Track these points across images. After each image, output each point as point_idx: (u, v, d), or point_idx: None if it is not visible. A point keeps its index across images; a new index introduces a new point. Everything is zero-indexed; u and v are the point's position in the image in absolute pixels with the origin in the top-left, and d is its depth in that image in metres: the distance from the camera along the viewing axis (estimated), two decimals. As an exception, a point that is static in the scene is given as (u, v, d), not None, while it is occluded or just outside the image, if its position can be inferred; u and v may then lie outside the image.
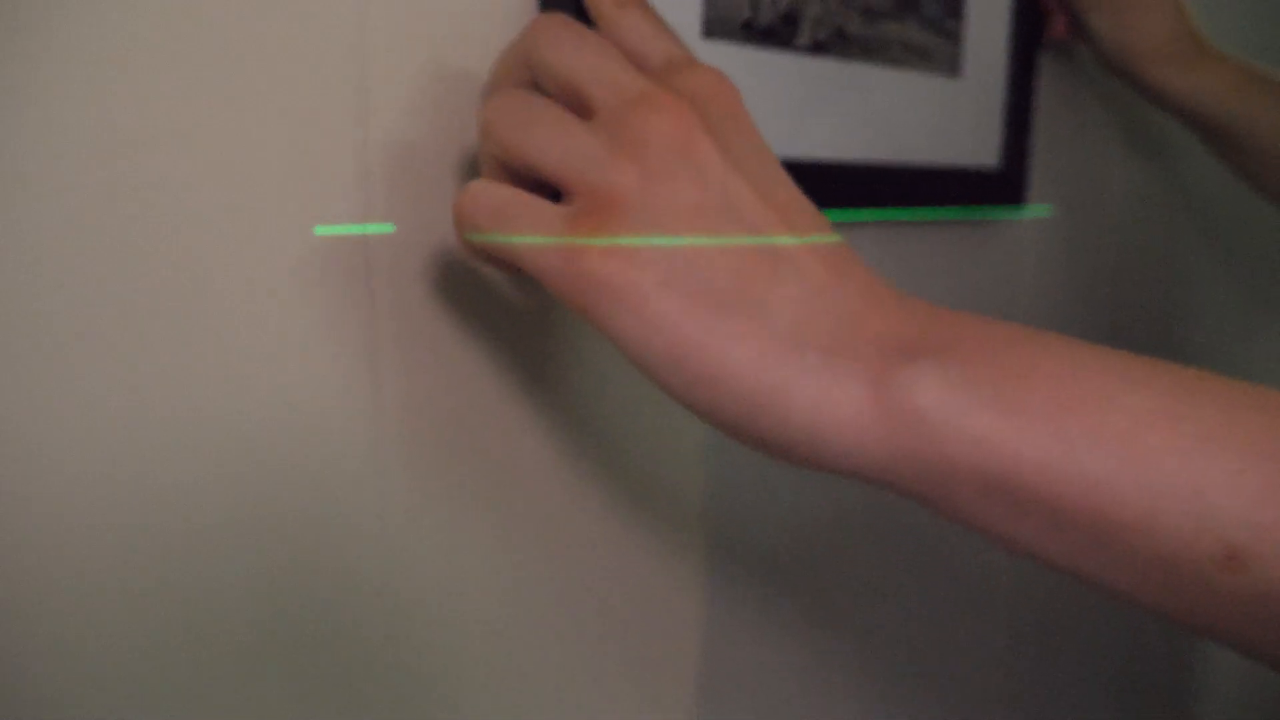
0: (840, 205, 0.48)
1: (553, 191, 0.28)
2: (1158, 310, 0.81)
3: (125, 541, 0.30)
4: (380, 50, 0.33)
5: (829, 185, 0.48)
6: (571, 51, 0.27)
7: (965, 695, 0.69)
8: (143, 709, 0.31)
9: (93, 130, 0.28)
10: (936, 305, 0.27)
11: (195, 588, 0.31)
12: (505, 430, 0.39)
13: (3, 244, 0.27)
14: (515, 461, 0.39)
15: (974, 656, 0.69)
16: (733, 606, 0.50)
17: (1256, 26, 0.86)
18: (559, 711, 0.43)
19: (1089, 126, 0.69)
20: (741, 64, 0.43)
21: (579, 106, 0.27)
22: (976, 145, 0.57)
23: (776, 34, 0.44)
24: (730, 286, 0.24)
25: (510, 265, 0.28)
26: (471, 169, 0.36)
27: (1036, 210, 0.66)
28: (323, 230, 0.33)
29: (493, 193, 0.28)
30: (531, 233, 0.26)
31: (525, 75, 0.29)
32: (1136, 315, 0.79)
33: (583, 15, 0.32)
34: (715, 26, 0.41)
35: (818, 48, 0.46)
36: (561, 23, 0.28)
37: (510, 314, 0.38)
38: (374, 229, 0.34)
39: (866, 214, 0.50)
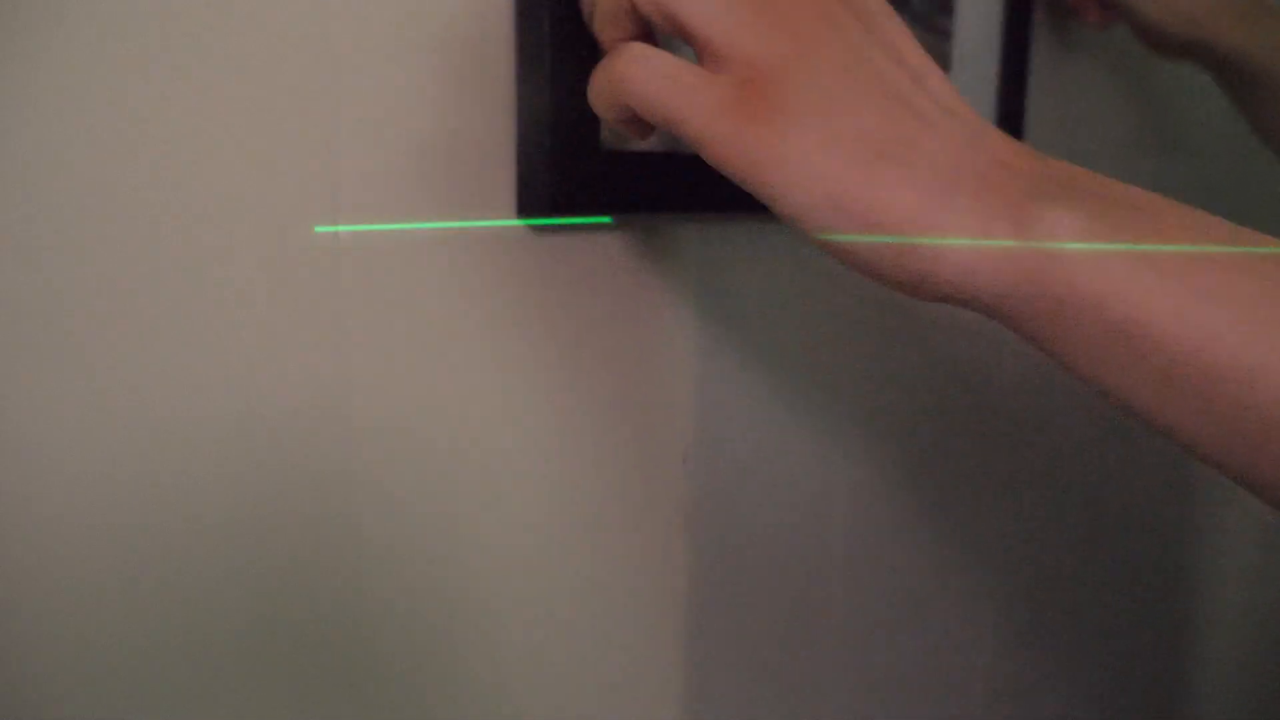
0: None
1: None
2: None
3: (123, 540, 0.29)
4: (344, 55, 0.32)
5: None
6: None
7: (952, 694, 0.69)
8: (142, 707, 0.30)
9: (90, 130, 0.27)
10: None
11: (190, 585, 0.31)
12: (479, 426, 0.38)
13: (12, 244, 0.26)
14: (489, 459, 0.39)
15: (961, 657, 0.69)
16: (716, 606, 0.49)
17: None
18: (557, 703, 0.42)
19: (1081, 123, 0.68)
20: (725, 59, 0.42)
21: None
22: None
23: (761, 29, 0.43)
24: (886, 139, 0.27)
25: (645, 129, 0.32)
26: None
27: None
28: (322, 229, 0.32)
29: (662, 59, 0.29)
30: (703, 101, 0.28)
31: None
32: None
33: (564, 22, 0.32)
34: (697, 21, 0.40)
35: (804, 43, 0.45)
36: None
37: (488, 308, 0.38)
38: (342, 229, 0.33)
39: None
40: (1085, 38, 0.66)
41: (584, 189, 0.37)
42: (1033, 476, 0.71)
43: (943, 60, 0.53)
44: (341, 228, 0.33)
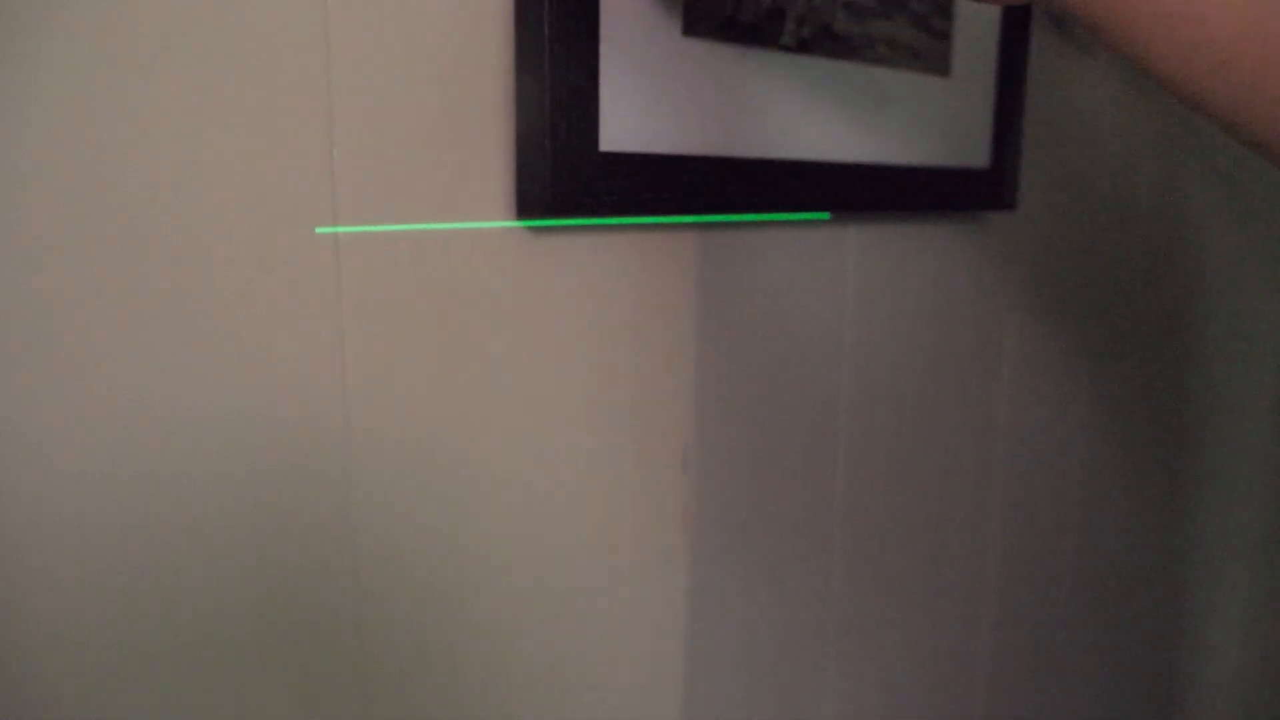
0: (829, 206, 0.48)
1: None
2: (1150, 306, 0.81)
3: (124, 540, 0.30)
4: (346, 60, 0.33)
5: (816, 185, 0.47)
6: None
7: (951, 692, 0.69)
8: (142, 707, 0.31)
9: (90, 133, 0.27)
10: None
11: (191, 585, 0.31)
12: (478, 427, 0.38)
13: (12, 245, 0.26)
14: (476, 458, 0.39)
15: (959, 655, 0.69)
16: (716, 605, 0.49)
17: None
18: (558, 701, 0.42)
19: (1079, 123, 0.68)
20: (723, 63, 0.42)
21: None
22: (967, 145, 0.56)
23: (760, 32, 0.43)
24: None
25: None
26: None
27: (1027, 209, 0.65)
28: (322, 230, 0.33)
29: None
30: None
31: None
32: (1129, 311, 0.78)
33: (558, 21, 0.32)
34: (696, 24, 0.41)
35: (803, 46, 0.46)
36: None
37: (488, 309, 0.38)
38: (342, 230, 0.33)
39: (855, 212, 0.50)
40: (1083, 40, 0.66)
41: (582, 191, 0.37)
42: (1031, 475, 0.71)
43: (941, 62, 0.54)
44: (341, 229, 0.33)
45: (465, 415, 0.38)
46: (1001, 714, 0.74)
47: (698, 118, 0.42)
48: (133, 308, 0.29)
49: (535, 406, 0.40)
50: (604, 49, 0.37)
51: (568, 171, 0.37)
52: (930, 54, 0.53)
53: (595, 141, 0.37)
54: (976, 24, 0.56)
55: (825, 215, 0.48)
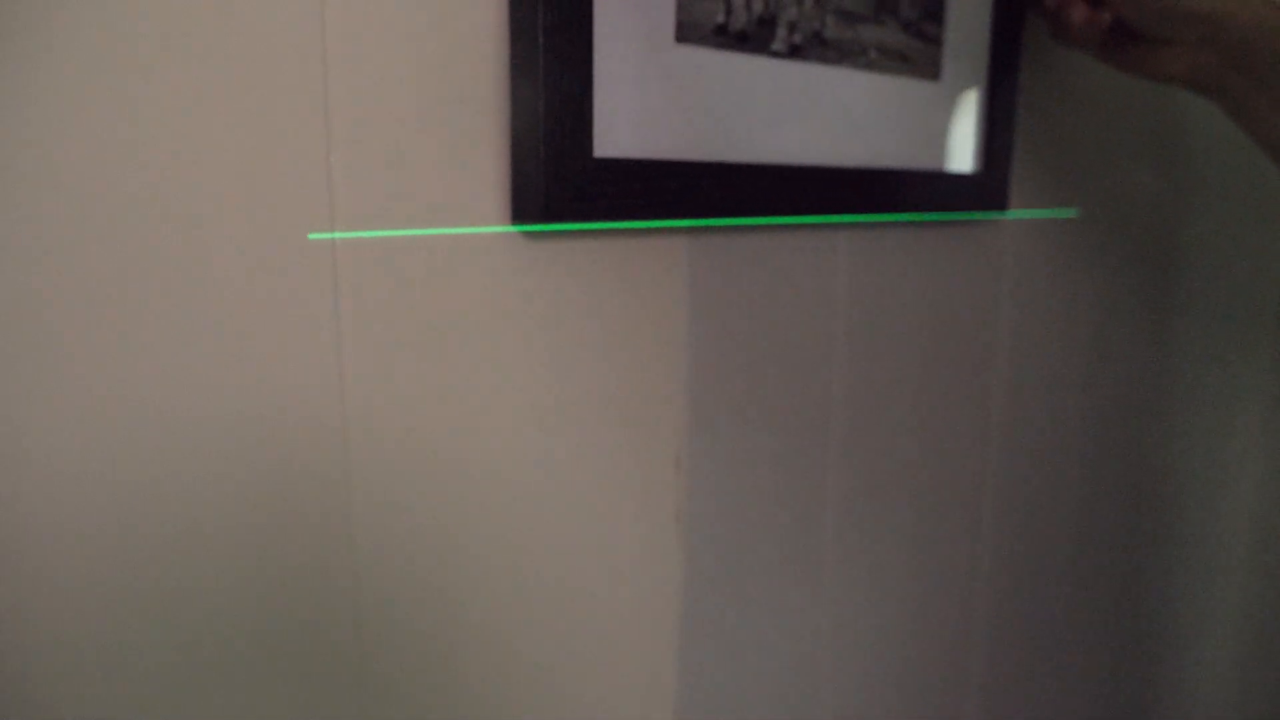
0: (821, 210, 0.48)
1: None
2: (1140, 311, 0.81)
3: (125, 541, 0.30)
4: (342, 67, 0.33)
5: (808, 190, 0.48)
6: None
7: (945, 692, 0.70)
8: (143, 707, 0.31)
9: (95, 139, 0.28)
10: None
11: (191, 587, 0.32)
12: (474, 429, 0.39)
13: (11, 246, 0.27)
14: (471, 457, 0.39)
15: (953, 655, 0.69)
16: (710, 604, 0.50)
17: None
18: (553, 700, 0.43)
19: (1071, 128, 0.69)
20: (715, 69, 0.43)
21: None
22: (957, 149, 0.57)
23: (752, 38, 0.44)
24: None
25: None
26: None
27: (1018, 214, 0.66)
28: (315, 236, 0.33)
29: None
30: None
31: None
32: (1118, 316, 0.79)
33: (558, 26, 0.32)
34: (688, 31, 0.41)
35: (794, 52, 0.46)
36: None
37: (483, 313, 0.38)
38: (339, 235, 0.34)
39: (847, 217, 0.50)
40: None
41: (576, 196, 0.38)
42: (1024, 478, 0.72)
43: (932, 67, 0.54)
44: (339, 234, 0.34)
45: (462, 417, 0.38)
46: (996, 715, 0.74)
47: (690, 123, 0.42)
48: (133, 311, 0.30)
49: (530, 408, 0.40)
50: (598, 57, 0.38)
51: (562, 177, 0.37)
52: (921, 59, 0.54)
53: (589, 148, 0.38)
54: (967, 29, 0.56)
55: (817, 219, 0.49)
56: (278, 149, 0.32)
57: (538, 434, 0.41)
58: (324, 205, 0.33)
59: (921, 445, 0.61)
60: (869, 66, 0.50)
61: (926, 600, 0.65)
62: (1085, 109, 0.70)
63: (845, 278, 0.54)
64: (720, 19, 0.42)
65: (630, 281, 0.43)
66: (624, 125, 0.39)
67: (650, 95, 0.40)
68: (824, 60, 0.48)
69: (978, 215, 0.60)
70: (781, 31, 0.45)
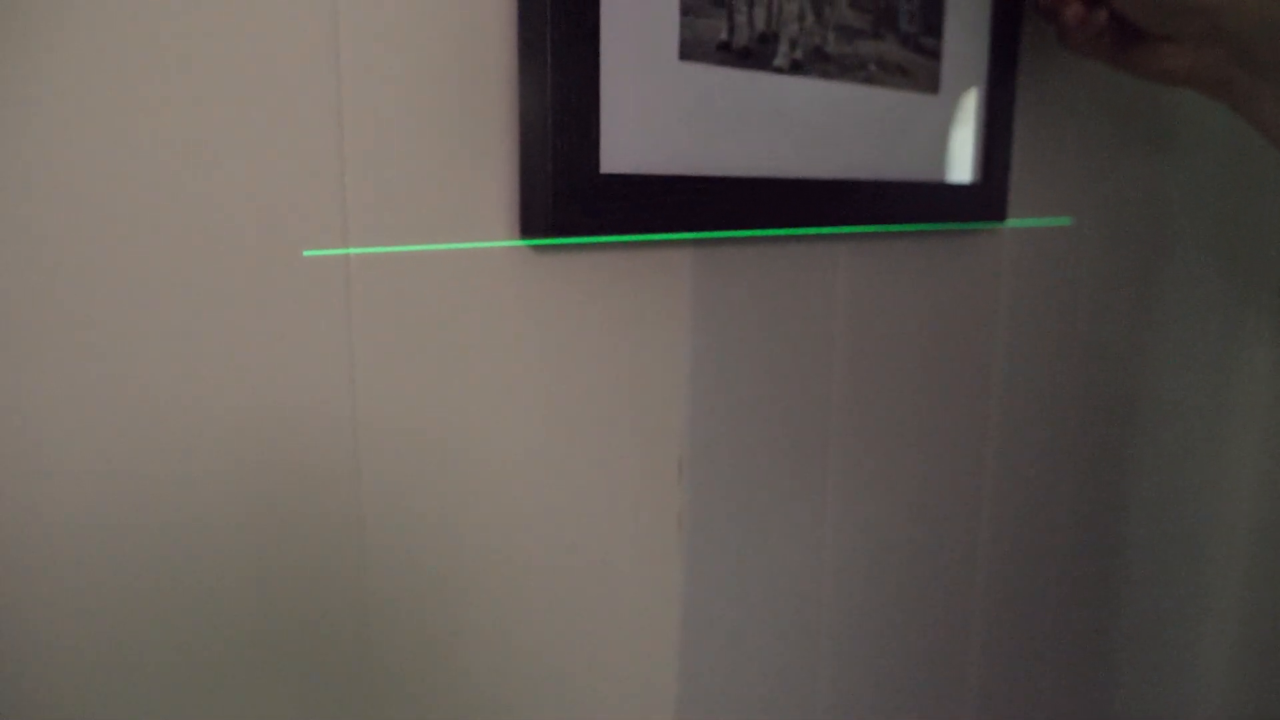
0: (821, 222, 0.49)
1: None
2: (1135, 320, 0.82)
3: (124, 537, 0.31)
4: (356, 86, 0.34)
5: (809, 202, 0.49)
6: None
7: (943, 692, 0.70)
8: (148, 705, 0.32)
9: (115, 153, 0.29)
10: None
11: (199, 587, 0.33)
12: (483, 436, 0.40)
13: (18, 249, 0.28)
14: (479, 460, 0.40)
15: (950, 656, 0.70)
16: (711, 606, 0.51)
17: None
18: (557, 700, 0.44)
19: (1069, 142, 0.70)
20: (718, 85, 0.44)
21: None
22: (956, 160, 0.58)
23: (754, 55, 0.45)
24: None
25: None
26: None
27: (1016, 222, 0.67)
28: (330, 251, 0.34)
29: None
30: None
31: None
32: (1114, 325, 0.80)
33: (564, 30, 0.33)
34: (691, 48, 0.42)
35: (796, 67, 0.47)
36: None
37: (493, 323, 0.39)
38: (354, 251, 0.35)
39: (847, 228, 0.51)
40: (1073, 59, 0.68)
41: (583, 211, 0.39)
42: (1022, 482, 0.73)
43: (932, 80, 0.55)
44: (351, 250, 0.35)
45: (471, 424, 0.39)
46: (993, 716, 0.75)
47: (694, 139, 0.43)
48: (151, 322, 0.31)
49: (538, 416, 0.41)
50: (604, 76, 0.39)
51: (569, 192, 0.38)
52: (920, 72, 0.55)
53: (596, 164, 0.39)
54: (965, 43, 0.57)
55: (818, 230, 0.50)
56: (295, 171, 0.33)
57: (545, 440, 0.42)
58: (338, 222, 0.34)
59: (920, 451, 0.62)
60: (869, 80, 0.51)
61: (925, 607, 0.66)
62: (1082, 119, 0.70)
63: (845, 287, 0.55)
64: (723, 36, 0.44)
65: (635, 293, 0.44)
66: (629, 141, 0.41)
67: (655, 112, 0.41)
68: (825, 75, 0.49)
69: (976, 225, 0.61)
70: (783, 48, 0.46)
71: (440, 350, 0.38)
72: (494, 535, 0.41)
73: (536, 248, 0.40)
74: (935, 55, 0.55)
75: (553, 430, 0.42)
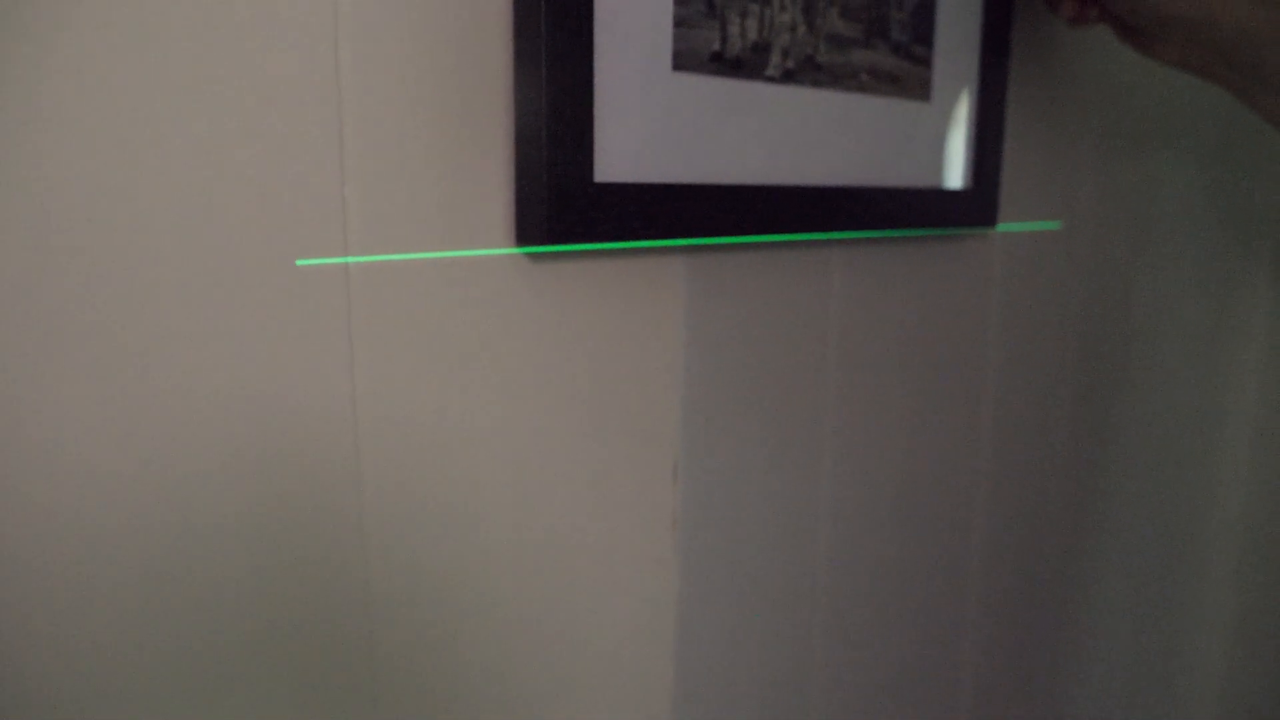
0: (814, 228, 0.50)
1: None
2: (1126, 323, 0.83)
3: (125, 536, 0.32)
4: (356, 99, 0.35)
5: (802, 208, 0.49)
6: None
7: (937, 692, 0.71)
8: (150, 705, 0.33)
9: (116, 156, 0.30)
10: None
11: (202, 587, 0.33)
12: (479, 442, 0.40)
13: (18, 255, 0.29)
14: (478, 463, 0.41)
15: (944, 656, 0.71)
16: (706, 609, 0.51)
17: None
18: (555, 701, 0.44)
19: (1058, 145, 0.70)
20: (711, 95, 0.44)
21: None
22: (948, 166, 0.59)
23: (746, 64, 0.46)
24: None
25: None
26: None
27: (1007, 227, 0.67)
28: (310, 262, 0.35)
29: None
30: None
31: None
32: (1105, 328, 0.81)
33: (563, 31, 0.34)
34: (685, 59, 0.43)
35: (788, 76, 0.48)
36: None
37: (489, 330, 0.40)
38: (353, 259, 0.36)
39: (840, 234, 0.52)
40: (1063, 66, 0.69)
41: (578, 220, 0.40)
42: (1015, 486, 0.73)
43: (923, 88, 0.56)
44: (351, 259, 0.35)
45: (469, 429, 0.40)
46: (986, 716, 0.76)
47: (687, 148, 0.44)
48: (156, 329, 0.32)
49: (534, 421, 0.42)
50: (598, 87, 0.40)
51: (564, 201, 0.39)
52: (911, 80, 0.55)
53: (590, 173, 0.40)
54: (956, 51, 0.58)
55: (810, 236, 0.50)
56: (296, 182, 0.34)
57: (541, 444, 0.42)
58: (338, 231, 0.35)
59: (913, 454, 0.63)
60: (861, 89, 0.52)
61: (919, 609, 0.66)
62: (1072, 125, 0.71)
63: (838, 293, 0.55)
64: (716, 47, 0.44)
65: (630, 299, 0.45)
66: (623, 151, 0.41)
67: (649, 122, 0.42)
68: (817, 84, 0.50)
69: (968, 230, 0.61)
70: (775, 58, 0.47)
71: (438, 356, 0.39)
72: (492, 539, 0.41)
73: (532, 255, 0.41)
74: (926, 63, 0.56)
75: (549, 434, 0.43)
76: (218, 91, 0.32)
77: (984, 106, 0.60)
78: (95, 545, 0.31)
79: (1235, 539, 1.02)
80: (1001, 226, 0.67)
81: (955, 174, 0.59)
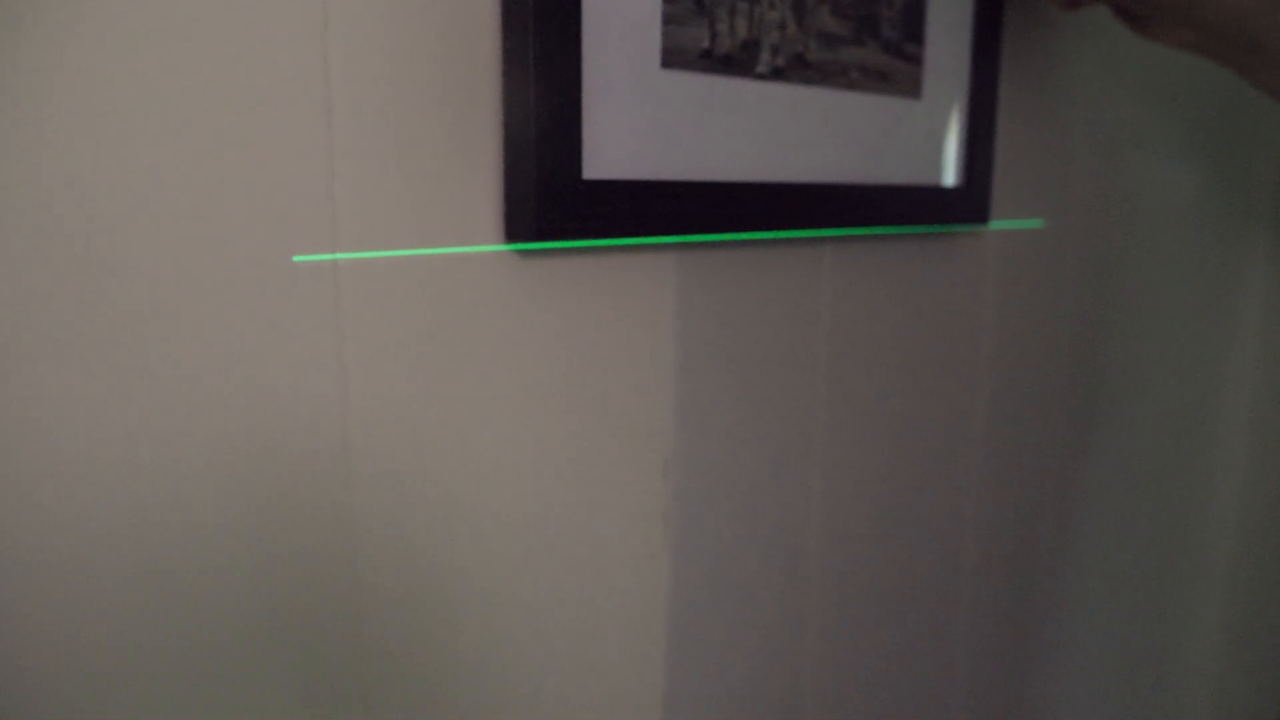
0: (805, 225, 0.50)
1: None
2: (1119, 320, 0.83)
3: (114, 530, 0.32)
4: (344, 95, 0.35)
5: (793, 205, 0.49)
6: None
7: (929, 689, 0.71)
8: (147, 705, 0.33)
9: (106, 154, 0.30)
10: None
11: (196, 586, 0.33)
12: (469, 438, 0.41)
13: (10, 253, 0.29)
14: (468, 455, 0.41)
15: (935, 652, 0.71)
16: (697, 605, 0.52)
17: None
18: (546, 697, 0.44)
19: (1049, 141, 0.71)
20: (701, 92, 0.45)
21: None
22: (939, 164, 0.59)
23: (736, 62, 0.46)
24: None
25: None
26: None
27: (999, 224, 0.68)
28: (300, 259, 0.35)
29: None
30: None
31: None
32: (1099, 325, 0.81)
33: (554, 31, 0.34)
34: (674, 57, 0.43)
35: (778, 74, 0.48)
36: None
37: (478, 328, 0.40)
38: (342, 256, 0.36)
39: (831, 231, 0.52)
40: (1055, 63, 0.69)
41: (567, 217, 0.40)
42: (1007, 483, 0.74)
43: (914, 85, 0.56)
44: (340, 255, 0.36)
45: (459, 426, 0.40)
46: (980, 714, 0.76)
47: (676, 145, 0.44)
48: (144, 327, 0.32)
49: (525, 418, 0.42)
50: (587, 84, 0.40)
51: (553, 198, 0.39)
52: (902, 78, 0.55)
53: (579, 170, 0.40)
54: (947, 48, 0.58)
55: (802, 233, 0.51)
56: (285, 179, 0.34)
57: (532, 441, 0.43)
58: (327, 228, 0.35)
59: (905, 452, 0.63)
60: (851, 86, 0.52)
61: (911, 606, 0.67)
62: (1063, 122, 0.71)
63: (830, 290, 0.55)
64: (705, 44, 0.44)
65: (620, 296, 0.45)
66: (612, 148, 0.41)
67: (638, 119, 0.42)
68: (807, 81, 0.50)
69: (960, 227, 0.62)
70: (765, 55, 0.47)
71: (428, 353, 0.39)
72: (482, 534, 0.42)
73: (522, 252, 0.41)
74: (917, 61, 0.56)
75: (540, 431, 0.43)
76: (206, 88, 0.32)
77: (975, 103, 0.60)
78: (83, 539, 0.31)
79: (1230, 536, 1.02)
80: (994, 224, 0.67)
81: (947, 171, 0.60)
